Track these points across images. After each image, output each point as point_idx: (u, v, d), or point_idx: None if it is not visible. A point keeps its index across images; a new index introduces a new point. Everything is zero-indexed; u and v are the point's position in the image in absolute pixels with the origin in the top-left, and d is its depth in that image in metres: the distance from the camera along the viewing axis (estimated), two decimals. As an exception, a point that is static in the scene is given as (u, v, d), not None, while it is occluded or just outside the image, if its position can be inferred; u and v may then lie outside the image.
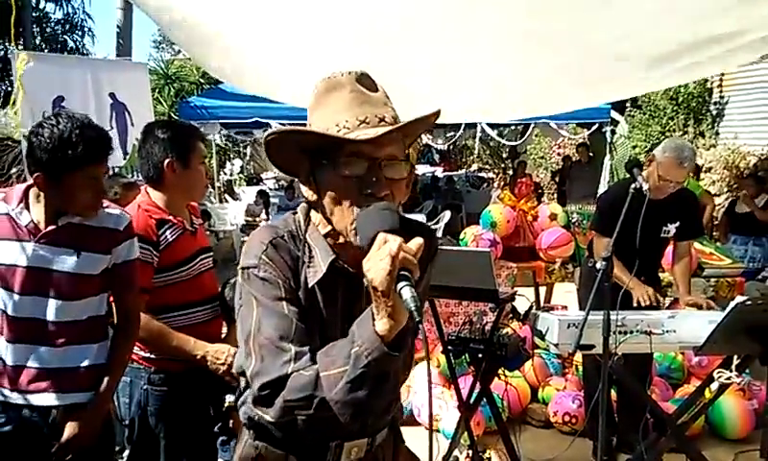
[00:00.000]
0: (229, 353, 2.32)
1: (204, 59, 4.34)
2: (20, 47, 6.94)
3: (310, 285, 1.31)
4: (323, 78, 1.31)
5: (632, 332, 2.68)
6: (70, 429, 2.03)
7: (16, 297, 2.00)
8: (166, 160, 2.35)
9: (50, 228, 2.00)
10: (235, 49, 3.51)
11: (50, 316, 2.01)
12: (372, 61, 3.23)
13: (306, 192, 1.33)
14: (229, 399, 2.42)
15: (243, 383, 1.46)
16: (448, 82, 3.65)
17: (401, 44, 3.10)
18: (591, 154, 11.03)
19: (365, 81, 1.30)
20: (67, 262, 2.01)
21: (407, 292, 1.06)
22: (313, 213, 1.36)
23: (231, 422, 2.41)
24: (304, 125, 1.33)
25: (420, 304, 1.07)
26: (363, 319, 1.17)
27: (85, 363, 2.08)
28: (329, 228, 1.32)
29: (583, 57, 3.36)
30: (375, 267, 1.09)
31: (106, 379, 2.11)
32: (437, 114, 1.32)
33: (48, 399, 2.04)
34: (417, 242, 1.12)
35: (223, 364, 2.32)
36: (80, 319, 2.06)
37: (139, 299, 2.22)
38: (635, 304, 3.23)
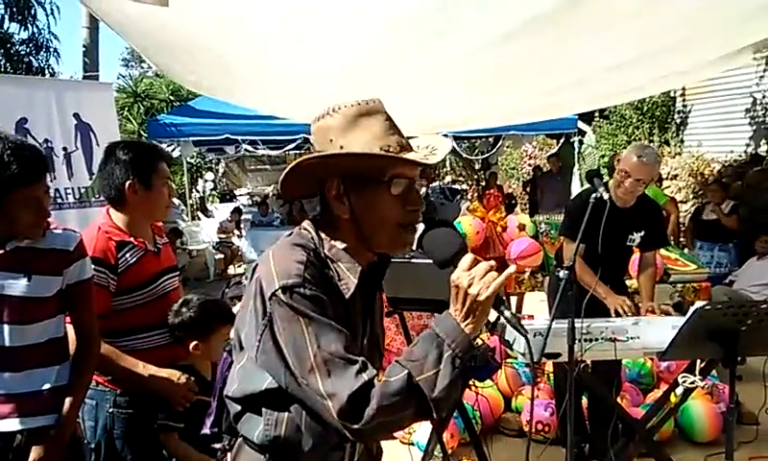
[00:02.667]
0: (178, 381, 2.32)
1: (178, 72, 4.31)
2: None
3: (347, 298, 1.39)
4: (347, 103, 1.40)
5: (597, 340, 2.71)
6: (35, 454, 2.00)
7: None
8: (127, 182, 2.33)
9: None
10: (220, 62, 3.50)
11: (6, 341, 1.97)
12: (348, 77, 3.28)
13: (337, 210, 1.41)
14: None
15: (236, 408, 1.47)
16: (419, 95, 3.69)
17: (374, 59, 3.14)
18: (561, 164, 11.17)
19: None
20: (18, 286, 1.97)
21: (509, 314, 1.30)
22: (322, 230, 1.45)
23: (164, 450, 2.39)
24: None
25: (518, 321, 1.32)
26: (446, 324, 1.29)
27: (47, 386, 2.05)
28: (347, 243, 1.42)
29: (551, 71, 3.43)
30: (480, 285, 1.27)
31: (68, 401, 2.07)
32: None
33: (12, 424, 2.00)
34: (513, 268, 1.34)
35: (171, 392, 2.32)
36: (38, 342, 2.03)
37: (95, 319, 2.18)
38: (612, 315, 3.27)
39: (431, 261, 1.39)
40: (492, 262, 1.29)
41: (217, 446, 2.02)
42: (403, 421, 1.33)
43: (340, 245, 1.42)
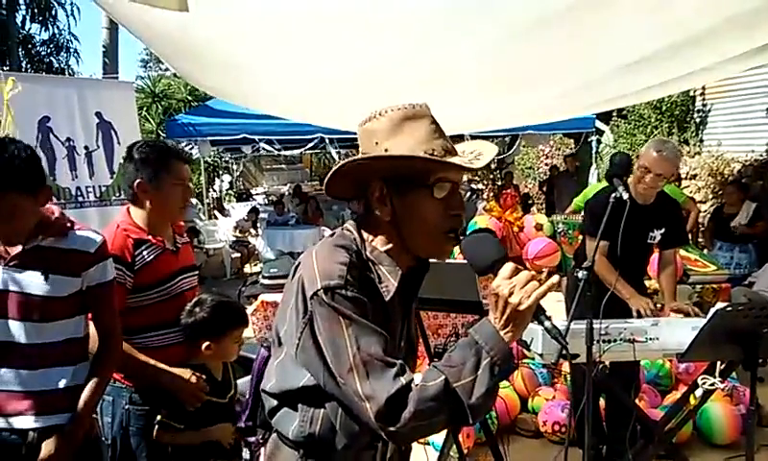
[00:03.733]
0: (189, 381, 2.34)
1: (195, 76, 4.35)
2: (5, 69, 6.95)
3: (387, 300, 1.40)
4: (394, 107, 1.42)
5: (615, 341, 2.69)
6: (47, 449, 2.01)
7: None
8: (137, 181, 2.36)
9: (17, 251, 1.98)
10: (237, 67, 3.52)
11: (22, 339, 1.99)
12: (363, 81, 3.30)
13: (379, 212, 1.42)
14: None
15: (272, 403, 1.50)
16: (434, 98, 3.69)
17: (389, 62, 3.15)
18: (578, 164, 11.11)
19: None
20: (36, 285, 1.98)
21: (549, 324, 1.29)
22: (364, 231, 1.47)
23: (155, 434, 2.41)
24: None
25: (559, 333, 1.29)
26: (485, 332, 1.29)
27: (62, 385, 2.06)
28: (390, 245, 1.44)
29: (568, 71, 3.41)
30: (521, 294, 1.26)
31: (83, 399, 2.08)
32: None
33: (26, 421, 2.02)
34: (556, 278, 1.36)
35: (182, 392, 2.33)
36: (56, 341, 2.04)
37: (117, 319, 2.20)
38: (635, 316, 3.25)
39: (451, 262, 1.40)
40: (533, 272, 1.30)
41: (251, 439, 2.05)
42: (438, 425, 1.33)
43: (382, 247, 1.44)
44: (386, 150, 1.39)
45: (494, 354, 1.26)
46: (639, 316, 3.22)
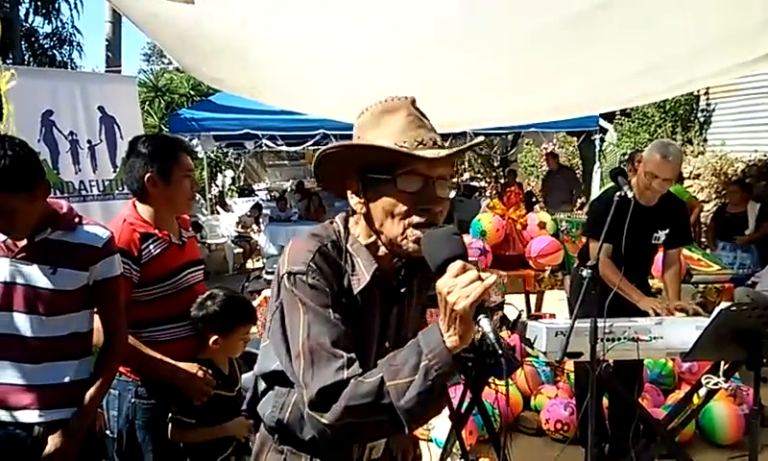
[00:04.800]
0: (196, 375, 2.34)
1: (199, 69, 4.34)
2: (8, 62, 6.95)
3: (355, 293, 1.39)
4: (378, 101, 1.41)
5: (619, 339, 2.69)
6: (52, 443, 2.02)
7: None
8: (147, 175, 2.35)
9: (25, 244, 1.99)
10: (243, 59, 3.51)
11: (27, 332, 1.99)
12: (372, 76, 3.29)
13: (355, 205, 1.42)
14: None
15: (263, 386, 1.53)
16: (439, 93, 3.69)
17: (398, 59, 3.14)
18: (558, 163, 11.20)
19: (417, 106, 1.42)
20: (43, 278, 1.99)
21: (487, 325, 1.17)
22: (352, 225, 1.47)
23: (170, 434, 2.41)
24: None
25: (498, 336, 1.18)
26: (430, 333, 1.23)
27: (67, 379, 2.06)
28: (372, 239, 1.43)
29: (574, 73, 3.41)
30: (459, 294, 1.17)
31: (89, 394, 2.08)
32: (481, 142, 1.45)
33: (30, 415, 2.02)
34: (492, 279, 1.20)
35: (189, 386, 2.34)
36: (60, 335, 2.04)
37: (124, 314, 2.20)
38: (652, 315, 3.24)
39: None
40: (485, 274, 1.20)
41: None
42: (382, 426, 1.29)
43: (363, 240, 1.43)
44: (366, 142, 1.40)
45: (432, 358, 1.20)
46: (657, 315, 3.20)
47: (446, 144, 1.41)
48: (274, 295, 1.42)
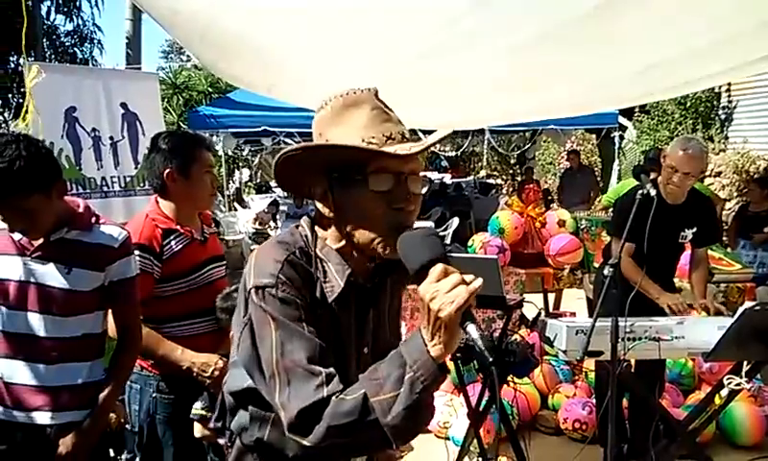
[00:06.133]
0: (216, 366, 2.32)
1: (221, 64, 4.36)
2: (31, 59, 7.03)
3: (330, 301, 1.31)
4: (338, 94, 1.33)
5: (640, 339, 2.68)
6: (64, 445, 2.02)
7: (8, 311, 1.99)
8: (166, 170, 2.37)
9: (40, 243, 1.99)
10: (265, 55, 3.52)
11: (41, 332, 1.99)
12: (386, 73, 3.29)
13: (322, 209, 1.33)
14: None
15: (231, 402, 1.44)
16: (452, 91, 3.68)
17: (410, 55, 3.14)
18: (579, 161, 11.08)
19: (381, 98, 1.34)
20: (58, 278, 1.98)
21: (474, 331, 1.10)
22: (318, 228, 1.37)
23: (198, 433, 2.38)
24: (310, 140, 1.35)
25: (487, 344, 1.11)
26: (413, 343, 1.16)
27: (79, 381, 2.06)
28: (342, 243, 1.33)
29: (590, 65, 3.38)
30: (443, 300, 1.10)
31: (103, 395, 2.08)
32: (452, 133, 1.37)
33: (43, 417, 2.02)
34: (478, 283, 1.12)
35: (210, 376, 2.32)
36: (74, 335, 2.04)
37: (139, 315, 2.20)
38: (668, 313, 3.22)
39: (474, 256, 1.32)
40: (468, 277, 1.13)
41: (221, 441, 2.03)
42: (368, 444, 1.25)
43: (333, 244, 1.34)
44: (327, 140, 1.31)
45: (417, 369, 1.13)
46: (673, 313, 3.17)
47: (413, 137, 1.34)
48: (241, 310, 1.33)
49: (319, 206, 1.35)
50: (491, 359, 1.10)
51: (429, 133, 1.38)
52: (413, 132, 1.37)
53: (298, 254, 1.31)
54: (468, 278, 1.13)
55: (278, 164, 1.31)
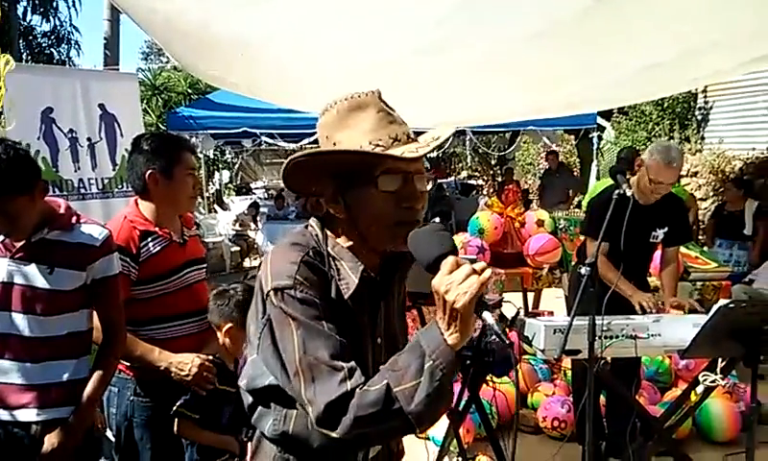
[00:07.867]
0: (193, 364, 2.31)
1: (199, 65, 4.33)
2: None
3: (346, 298, 1.36)
4: (342, 97, 1.37)
5: (617, 337, 2.71)
6: (50, 442, 2.02)
7: None
8: (148, 172, 2.36)
9: (22, 244, 1.99)
10: (246, 56, 3.51)
11: (26, 332, 2.00)
12: (371, 73, 3.30)
13: (333, 210, 1.39)
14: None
15: (249, 399, 1.48)
16: (437, 92, 3.70)
17: (397, 55, 3.15)
18: (559, 162, 11.18)
19: (384, 99, 1.38)
20: (40, 278, 2.00)
21: (490, 318, 1.19)
22: (328, 228, 1.42)
23: (176, 428, 2.37)
24: (314, 141, 1.39)
25: (502, 328, 1.17)
26: (430, 333, 1.22)
27: (65, 378, 2.07)
28: (353, 241, 1.40)
29: (575, 72, 3.42)
30: (458, 291, 1.17)
31: (87, 393, 2.08)
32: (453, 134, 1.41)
33: (28, 414, 2.03)
34: (489, 272, 1.20)
35: (187, 375, 2.30)
36: (58, 334, 2.05)
37: (122, 313, 2.20)
38: (638, 312, 3.26)
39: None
40: (478, 266, 1.20)
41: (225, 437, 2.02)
42: (393, 432, 1.31)
43: (344, 243, 1.40)
44: (334, 144, 1.35)
45: (436, 358, 1.19)
46: (644, 311, 3.22)
47: (415, 137, 1.39)
48: (258, 310, 1.37)
49: (329, 207, 1.40)
50: (508, 342, 1.20)
51: (419, 132, 1.41)
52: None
53: (312, 254, 1.36)
54: (479, 266, 1.20)
55: (287, 169, 1.36)
